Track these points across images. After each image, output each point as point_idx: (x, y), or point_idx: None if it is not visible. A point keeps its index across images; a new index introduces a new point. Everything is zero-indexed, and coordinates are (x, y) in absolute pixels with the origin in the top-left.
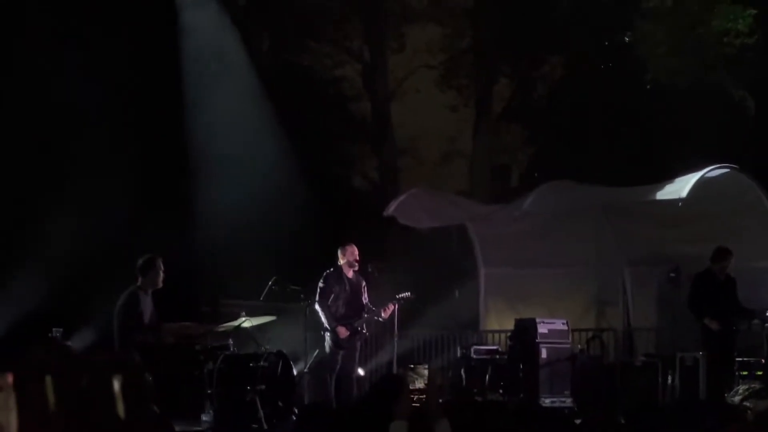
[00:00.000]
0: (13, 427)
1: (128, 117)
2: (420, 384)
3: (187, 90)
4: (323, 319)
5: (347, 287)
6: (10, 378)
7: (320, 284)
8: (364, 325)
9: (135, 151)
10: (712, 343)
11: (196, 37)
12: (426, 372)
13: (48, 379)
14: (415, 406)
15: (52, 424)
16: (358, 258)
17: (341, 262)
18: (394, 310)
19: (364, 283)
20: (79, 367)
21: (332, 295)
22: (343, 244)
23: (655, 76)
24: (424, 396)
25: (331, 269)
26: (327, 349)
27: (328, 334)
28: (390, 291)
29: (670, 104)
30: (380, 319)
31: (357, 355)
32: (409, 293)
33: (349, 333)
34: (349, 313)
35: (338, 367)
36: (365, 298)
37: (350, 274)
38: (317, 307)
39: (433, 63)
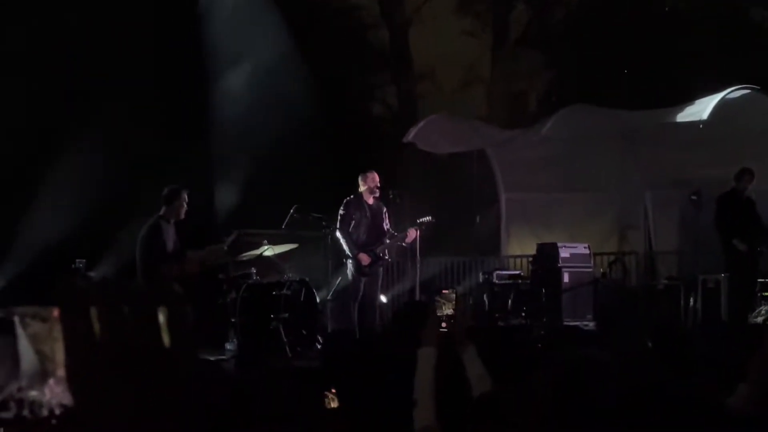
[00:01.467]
0: (58, 358)
1: (149, 51)
2: (447, 310)
3: (205, 23)
4: (345, 246)
5: (368, 214)
6: (55, 312)
7: (341, 211)
8: (386, 252)
9: (157, 84)
10: (735, 265)
11: None
12: (453, 297)
13: (93, 310)
14: (442, 332)
15: (98, 356)
16: (379, 184)
17: (362, 188)
18: (416, 236)
19: (385, 210)
20: (123, 298)
21: (353, 222)
22: (364, 170)
23: None
24: (452, 322)
25: (352, 196)
26: (349, 276)
27: (350, 262)
28: (411, 217)
29: (690, 26)
30: (403, 244)
31: (379, 281)
32: (429, 217)
33: (371, 260)
34: (370, 239)
35: (361, 294)
36: (387, 225)
37: (371, 200)
38: (338, 234)
39: None
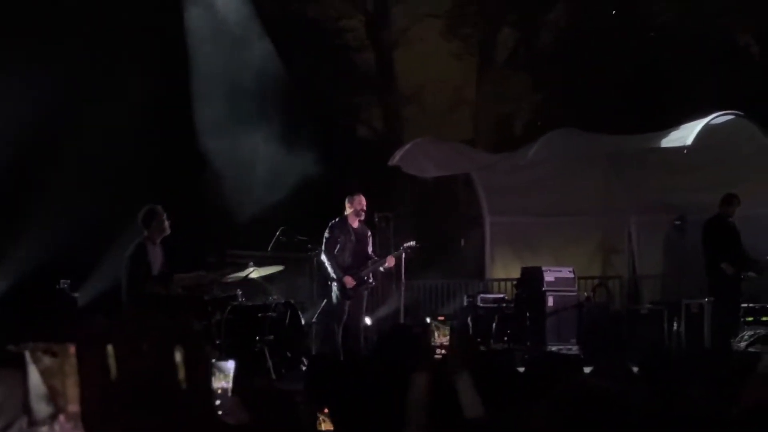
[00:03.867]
0: (69, 393)
1: (135, 70)
2: (443, 336)
3: (191, 41)
4: (330, 269)
5: (353, 237)
6: (71, 349)
7: (326, 234)
8: (371, 275)
9: (143, 104)
10: (720, 290)
11: None
12: (448, 324)
13: (109, 348)
14: (437, 358)
15: (114, 394)
16: (365, 207)
17: (348, 211)
18: (400, 260)
19: (369, 233)
20: (140, 337)
21: (338, 245)
22: (351, 193)
23: (661, 21)
24: (448, 348)
25: (337, 219)
26: (334, 299)
27: (334, 284)
28: (396, 240)
29: (675, 50)
30: (385, 268)
31: (364, 304)
32: (414, 242)
33: (355, 282)
34: (355, 262)
35: (345, 317)
36: (370, 249)
37: (356, 224)
38: (323, 257)
39: (437, 12)
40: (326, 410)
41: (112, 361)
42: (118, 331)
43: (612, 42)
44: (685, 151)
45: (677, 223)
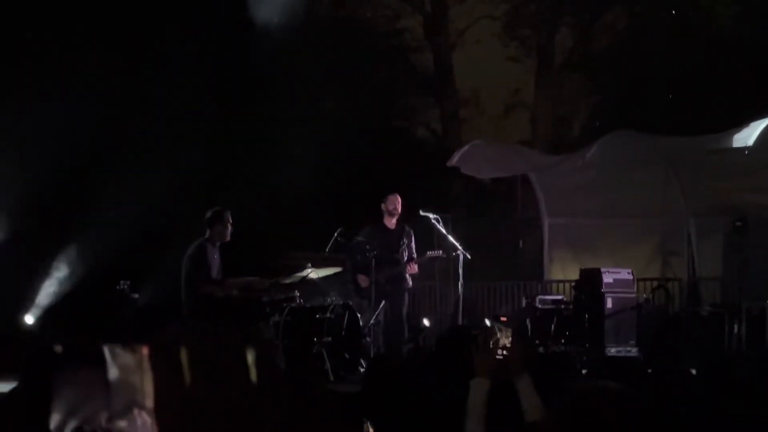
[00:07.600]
0: (147, 389)
1: (199, 77)
2: (505, 338)
3: (251, 46)
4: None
5: (385, 237)
6: (144, 350)
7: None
8: (394, 277)
9: (205, 110)
10: None
11: None
12: (510, 326)
13: (183, 352)
14: (498, 360)
15: (188, 396)
16: (397, 207)
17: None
18: (416, 269)
19: (406, 234)
20: (213, 341)
21: (365, 247)
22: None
23: (720, 23)
24: (509, 351)
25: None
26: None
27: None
28: (456, 241)
29: (734, 53)
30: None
31: (401, 304)
32: (440, 251)
33: (368, 282)
34: (383, 262)
35: (366, 314)
36: (407, 251)
37: (391, 224)
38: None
39: (494, 14)
40: (377, 414)
41: (185, 365)
42: (191, 336)
43: (670, 43)
44: (746, 152)
45: (738, 224)
